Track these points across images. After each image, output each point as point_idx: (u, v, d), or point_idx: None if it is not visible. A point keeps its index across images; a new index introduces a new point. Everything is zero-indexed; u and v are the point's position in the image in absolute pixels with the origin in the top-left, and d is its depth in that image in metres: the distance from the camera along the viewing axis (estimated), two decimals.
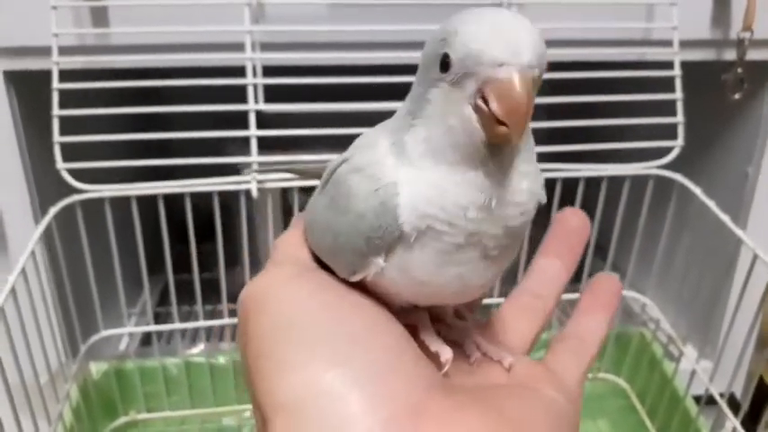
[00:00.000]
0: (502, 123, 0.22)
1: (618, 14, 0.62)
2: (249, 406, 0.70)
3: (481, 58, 0.23)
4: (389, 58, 0.59)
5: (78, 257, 0.60)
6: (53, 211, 0.57)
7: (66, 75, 0.57)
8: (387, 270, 0.26)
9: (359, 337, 0.24)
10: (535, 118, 0.25)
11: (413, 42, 0.59)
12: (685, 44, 0.63)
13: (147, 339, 0.80)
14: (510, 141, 0.23)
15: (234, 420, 0.69)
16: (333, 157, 0.30)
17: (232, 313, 0.69)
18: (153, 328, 0.70)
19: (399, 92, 0.58)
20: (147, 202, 0.61)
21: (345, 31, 0.59)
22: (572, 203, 0.65)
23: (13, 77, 0.59)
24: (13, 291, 0.49)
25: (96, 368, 0.66)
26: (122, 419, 0.68)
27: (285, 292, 0.26)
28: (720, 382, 0.60)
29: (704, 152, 0.77)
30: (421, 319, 0.28)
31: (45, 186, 0.63)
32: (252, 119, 0.60)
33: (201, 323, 0.68)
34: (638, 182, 0.65)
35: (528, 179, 0.25)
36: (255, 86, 0.60)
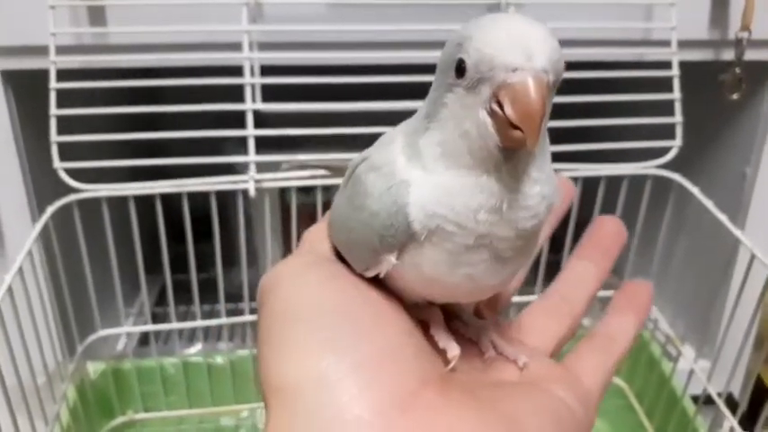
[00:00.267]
0: (516, 128, 0.23)
1: (616, 14, 0.62)
2: (246, 406, 0.70)
3: (495, 63, 0.23)
4: (387, 57, 0.59)
5: (76, 257, 0.60)
6: (50, 210, 0.57)
7: (63, 74, 0.57)
8: (399, 267, 0.26)
9: (361, 327, 0.25)
10: None
11: (411, 42, 0.59)
12: (683, 44, 0.63)
13: (144, 339, 0.80)
14: (524, 146, 0.23)
15: (231, 420, 0.69)
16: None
17: (229, 313, 0.70)
18: (150, 327, 0.70)
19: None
20: (145, 202, 0.61)
21: (343, 30, 0.59)
22: (570, 203, 0.65)
23: (11, 77, 0.59)
24: (9, 290, 0.49)
25: (93, 368, 0.66)
26: (120, 419, 0.67)
27: (297, 279, 0.27)
28: (718, 381, 0.60)
29: (702, 152, 0.77)
30: (433, 316, 0.29)
31: (42, 186, 0.63)
32: (249, 118, 0.60)
33: (199, 323, 0.68)
34: (637, 182, 0.65)
35: (540, 183, 0.25)
36: (253, 86, 0.60)
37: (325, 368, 0.23)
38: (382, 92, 0.59)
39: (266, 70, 0.60)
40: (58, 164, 0.57)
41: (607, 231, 0.35)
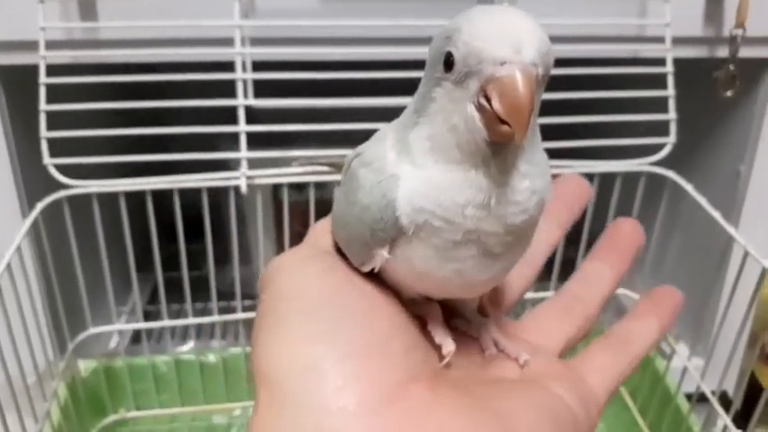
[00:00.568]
0: (504, 122, 0.22)
1: (610, 11, 0.62)
2: (239, 404, 0.70)
3: (483, 57, 0.22)
4: (380, 53, 0.59)
5: (66, 254, 0.60)
6: (40, 206, 0.56)
7: (53, 69, 0.57)
8: (392, 261, 0.26)
9: (353, 319, 0.25)
10: None
11: (403, 38, 0.59)
12: (678, 41, 0.63)
13: (136, 337, 0.79)
14: (512, 140, 0.23)
15: (224, 418, 0.69)
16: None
17: (222, 311, 0.69)
18: (142, 325, 0.69)
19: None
20: (136, 199, 0.61)
21: (335, 26, 0.58)
22: None
23: (0, 72, 0.59)
24: None
25: (85, 366, 0.65)
26: (112, 417, 0.67)
27: (296, 271, 0.27)
28: (712, 379, 0.60)
29: (696, 149, 0.77)
30: (431, 312, 0.28)
31: (32, 182, 0.63)
32: (241, 114, 0.59)
33: (191, 321, 0.68)
34: (630, 179, 0.65)
35: (529, 178, 0.25)
36: (245, 81, 0.59)
37: (314, 358, 0.23)
38: (375, 88, 0.59)
39: (258, 66, 0.60)
40: (47, 160, 0.57)
41: (624, 233, 0.35)
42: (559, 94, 0.61)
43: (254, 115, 0.61)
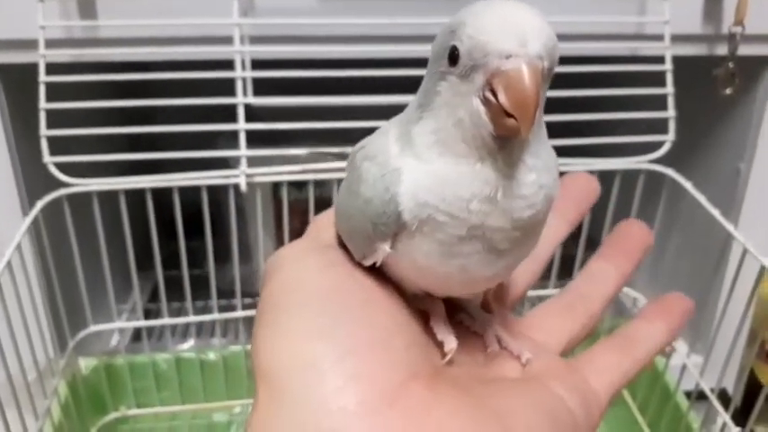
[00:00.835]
0: (510, 116, 0.22)
1: (609, 8, 0.62)
2: (239, 401, 0.70)
3: (488, 50, 0.22)
4: (380, 51, 0.59)
5: (66, 252, 0.60)
6: (40, 204, 0.56)
7: (53, 68, 0.57)
8: (394, 256, 0.26)
9: (353, 315, 0.24)
10: None
11: (403, 36, 0.59)
12: (677, 39, 0.63)
13: (137, 335, 0.79)
14: (518, 134, 0.22)
15: (224, 416, 0.69)
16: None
17: (222, 309, 0.69)
18: (142, 323, 0.69)
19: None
20: (136, 198, 0.61)
21: (335, 24, 0.58)
22: None
23: (0, 70, 0.59)
24: None
25: (85, 364, 0.65)
26: (112, 415, 0.67)
27: (297, 264, 0.27)
28: (711, 376, 0.60)
29: (695, 147, 0.77)
30: (434, 308, 0.28)
31: (33, 180, 0.63)
32: (240, 112, 0.59)
33: (191, 319, 0.68)
34: (629, 176, 0.65)
35: (536, 172, 0.25)
36: (244, 80, 0.59)
37: (313, 355, 0.23)
38: (374, 86, 0.59)
39: (257, 64, 0.60)
40: (47, 158, 0.57)
41: (632, 234, 0.35)
42: (558, 92, 0.61)
43: (253, 113, 0.61)
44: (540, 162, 0.25)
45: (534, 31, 0.22)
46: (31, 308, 0.55)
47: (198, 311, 0.72)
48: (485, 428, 0.23)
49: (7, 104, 0.60)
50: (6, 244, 0.52)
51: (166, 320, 0.67)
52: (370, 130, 0.29)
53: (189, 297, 0.67)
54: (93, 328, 0.65)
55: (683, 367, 0.62)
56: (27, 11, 0.55)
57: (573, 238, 0.69)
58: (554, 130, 0.60)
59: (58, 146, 0.57)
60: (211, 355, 0.69)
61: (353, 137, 0.34)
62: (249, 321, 0.67)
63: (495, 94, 0.23)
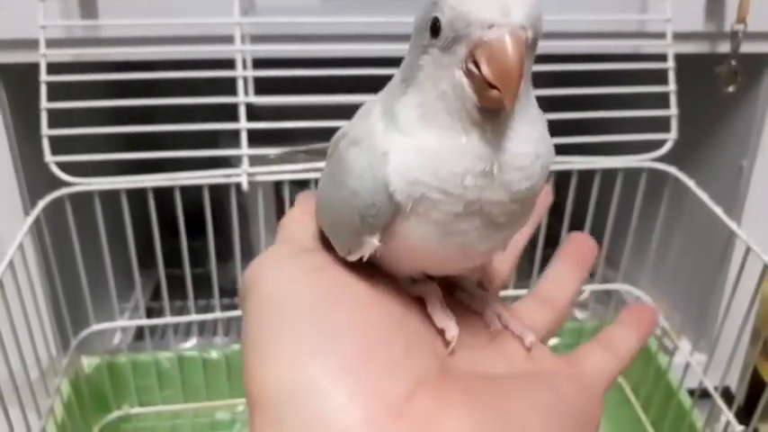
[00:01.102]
0: (494, 87, 0.22)
1: (611, 6, 0.62)
2: (242, 400, 0.70)
3: (470, 20, 0.22)
4: (381, 49, 0.59)
5: (69, 251, 0.60)
6: (42, 204, 0.56)
7: (54, 67, 0.57)
8: (389, 241, 0.25)
9: (345, 324, 0.23)
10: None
11: (404, 34, 0.58)
12: (679, 36, 0.63)
13: (139, 334, 0.80)
14: (502, 106, 0.22)
15: (227, 414, 0.69)
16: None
17: (224, 308, 0.69)
18: (145, 322, 0.69)
19: None
20: (138, 197, 0.61)
21: (336, 22, 0.58)
22: (565, 196, 0.65)
23: (1, 70, 0.59)
24: (0, 284, 0.48)
25: (88, 362, 0.65)
26: (115, 414, 0.67)
27: (274, 274, 0.25)
28: (715, 375, 0.60)
29: (698, 145, 0.77)
30: (430, 293, 0.27)
31: (34, 179, 0.63)
32: (242, 111, 0.59)
33: (194, 317, 0.68)
34: (632, 174, 0.65)
35: (532, 142, 0.24)
36: (245, 79, 0.59)
37: (310, 376, 0.21)
38: (375, 84, 0.58)
39: (258, 63, 0.60)
40: (49, 157, 0.57)
41: (581, 241, 0.35)
42: (561, 91, 0.61)
43: (254, 112, 0.61)
44: (535, 132, 0.25)
45: (517, 1, 0.22)
46: (33, 307, 0.55)
47: (200, 310, 0.72)
48: None
49: (8, 104, 0.60)
50: (8, 243, 0.52)
51: (169, 319, 0.67)
52: None
53: (191, 296, 0.67)
54: (96, 326, 0.65)
55: (687, 365, 0.62)
56: (28, 10, 0.55)
57: None
58: (556, 129, 0.60)
59: (59, 145, 0.57)
60: (214, 354, 0.69)
61: None
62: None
63: (477, 66, 0.22)
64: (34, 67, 0.56)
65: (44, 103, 0.56)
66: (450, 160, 0.23)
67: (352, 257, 0.26)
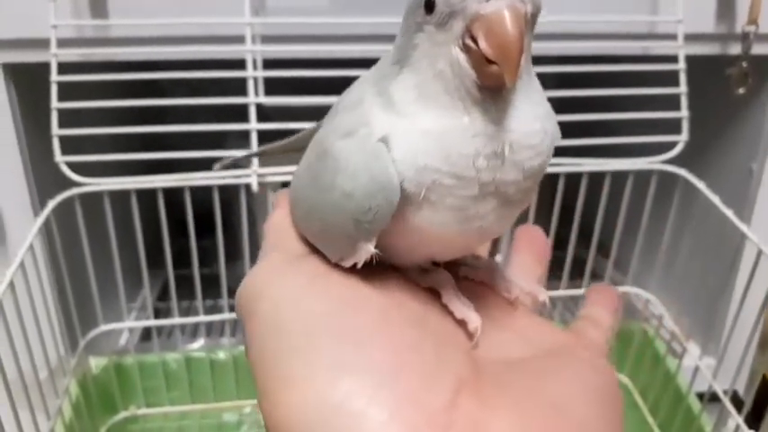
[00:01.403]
0: (493, 62, 0.21)
1: (622, 7, 0.62)
2: (249, 401, 0.70)
3: None
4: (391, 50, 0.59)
5: (78, 251, 0.60)
6: (52, 204, 0.56)
7: (64, 67, 0.57)
8: (395, 235, 0.24)
9: (367, 335, 0.22)
10: None
11: None
12: (690, 38, 0.62)
13: (146, 334, 0.79)
14: (503, 82, 0.21)
15: (234, 416, 0.69)
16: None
17: (233, 308, 0.68)
18: (152, 322, 0.69)
19: None
20: (147, 197, 0.61)
21: (346, 23, 0.58)
22: (575, 198, 0.64)
23: (12, 70, 0.59)
24: (11, 285, 0.48)
25: (96, 363, 0.65)
26: (122, 414, 0.67)
27: (277, 288, 0.23)
28: (723, 379, 0.60)
29: (707, 147, 0.76)
30: (443, 282, 0.26)
31: (44, 180, 0.63)
32: (252, 112, 0.59)
33: (202, 318, 0.68)
34: (642, 177, 0.64)
35: (539, 120, 0.23)
36: (256, 79, 0.59)
37: (340, 394, 0.20)
38: None
39: (269, 63, 0.60)
40: (59, 157, 0.57)
41: (538, 238, 0.33)
42: (571, 92, 0.61)
43: (264, 113, 0.61)
44: (540, 109, 0.24)
45: None
46: (43, 308, 0.55)
47: (208, 311, 0.72)
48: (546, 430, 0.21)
49: (19, 104, 0.60)
50: (18, 242, 0.52)
51: (177, 320, 0.67)
52: None
53: (200, 296, 0.67)
54: (104, 327, 0.65)
55: (696, 369, 0.62)
56: (39, 10, 0.55)
57: (584, 240, 0.69)
58: (566, 131, 0.60)
59: (69, 145, 0.57)
60: (221, 355, 0.69)
61: None
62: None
63: (475, 41, 0.21)
64: (43, 67, 0.56)
65: (54, 103, 0.56)
66: (458, 142, 0.22)
67: (346, 264, 0.24)
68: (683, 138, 0.63)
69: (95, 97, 0.58)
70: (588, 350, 0.26)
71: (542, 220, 0.70)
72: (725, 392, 0.58)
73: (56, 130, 0.56)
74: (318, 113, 0.62)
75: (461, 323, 0.25)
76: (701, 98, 0.65)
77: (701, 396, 0.62)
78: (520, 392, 0.22)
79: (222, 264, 0.65)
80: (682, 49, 0.62)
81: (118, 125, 0.59)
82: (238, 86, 0.59)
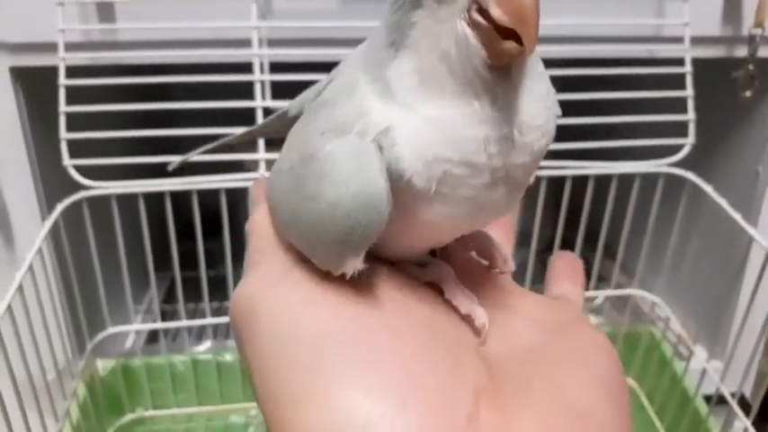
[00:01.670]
0: (506, 37, 0.19)
1: (629, 11, 0.62)
2: (256, 403, 0.70)
3: None
4: None
5: (85, 254, 0.60)
6: (60, 207, 0.57)
7: (72, 71, 0.57)
8: (403, 232, 0.22)
9: (377, 353, 0.20)
10: None
11: None
12: (696, 41, 0.62)
13: (153, 336, 0.80)
14: (516, 58, 0.19)
15: (241, 418, 0.69)
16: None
17: None
18: (160, 325, 0.69)
19: None
20: (154, 199, 0.61)
21: (353, 26, 0.58)
22: (581, 201, 0.64)
23: (20, 73, 0.59)
24: (20, 288, 0.48)
25: (103, 365, 0.66)
26: (129, 416, 0.67)
27: (275, 303, 0.22)
28: (730, 382, 0.60)
29: (713, 150, 0.76)
30: (444, 277, 0.25)
31: (52, 183, 0.63)
32: (259, 115, 0.60)
33: (208, 320, 0.68)
34: (649, 180, 0.64)
35: (543, 98, 0.22)
36: (263, 83, 0.59)
37: (361, 414, 0.19)
38: None
39: (276, 67, 0.60)
40: (67, 161, 0.57)
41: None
42: (577, 95, 0.61)
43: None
44: (543, 86, 0.22)
45: None
46: (51, 310, 0.55)
47: (215, 313, 0.72)
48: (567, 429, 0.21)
49: (27, 107, 0.61)
50: (26, 246, 0.52)
51: (184, 322, 0.67)
52: None
53: (206, 298, 0.67)
54: (112, 329, 0.65)
55: (703, 372, 0.62)
56: (46, 14, 0.56)
57: (590, 243, 0.69)
58: (573, 134, 0.60)
59: (77, 149, 0.57)
60: (228, 357, 0.69)
61: None
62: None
63: (483, 14, 0.19)
64: (51, 71, 0.57)
65: (63, 107, 0.56)
66: (467, 128, 0.20)
67: (336, 273, 0.22)
68: (689, 141, 0.62)
69: (103, 101, 0.58)
70: (584, 323, 0.26)
71: (549, 222, 0.70)
72: (732, 395, 0.58)
73: (64, 134, 0.57)
74: None
75: (467, 318, 0.24)
76: (708, 101, 0.65)
77: (707, 399, 0.61)
78: (537, 394, 0.21)
79: (229, 266, 0.65)
80: (688, 52, 0.62)
81: (125, 128, 0.59)
82: (245, 90, 0.59)
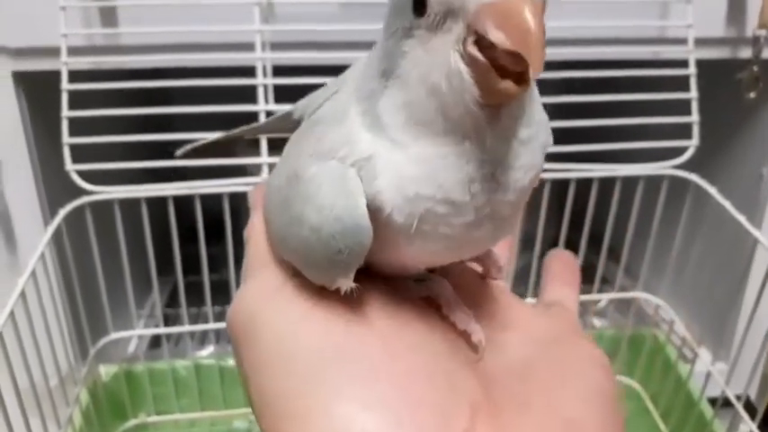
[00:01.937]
0: (503, 76, 0.18)
1: (632, 12, 0.61)
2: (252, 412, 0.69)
3: None
4: None
5: (88, 259, 0.60)
6: (63, 212, 0.56)
7: (74, 75, 0.57)
8: (389, 257, 0.22)
9: (375, 369, 0.20)
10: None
11: None
12: (700, 42, 0.62)
13: (156, 342, 0.79)
14: (512, 99, 0.18)
15: (244, 423, 0.69)
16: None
17: None
18: (162, 330, 0.69)
19: None
20: (157, 204, 0.61)
21: (356, 30, 0.58)
22: (585, 204, 0.64)
23: (22, 78, 0.59)
24: (22, 293, 0.48)
25: (106, 371, 0.65)
26: (132, 422, 0.67)
27: (273, 315, 0.22)
28: (735, 385, 0.60)
29: (717, 152, 0.76)
30: (441, 293, 0.24)
31: (54, 188, 0.63)
32: (262, 119, 0.59)
33: (211, 325, 0.68)
34: (653, 182, 0.64)
35: (533, 128, 0.21)
36: (266, 87, 0.59)
37: (362, 430, 0.19)
38: None
39: (278, 71, 0.60)
40: (70, 166, 0.57)
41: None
42: (581, 97, 0.61)
43: None
44: (535, 116, 0.21)
45: None
46: (53, 316, 0.55)
47: (217, 317, 0.71)
48: None
49: (29, 112, 0.60)
50: (28, 251, 0.52)
51: (186, 327, 0.67)
52: None
53: (209, 303, 0.67)
54: (115, 335, 0.65)
55: (708, 374, 0.62)
56: (49, 19, 0.55)
57: (594, 246, 0.69)
58: (576, 136, 0.60)
59: (79, 154, 0.57)
60: (231, 362, 0.69)
61: None
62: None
63: (480, 46, 0.18)
64: (54, 75, 0.56)
65: (65, 112, 0.56)
66: (452, 167, 0.20)
67: (330, 289, 0.22)
68: (693, 143, 0.62)
69: (106, 106, 0.58)
70: (579, 335, 0.26)
71: (553, 225, 0.70)
72: (738, 398, 0.58)
73: (66, 139, 0.56)
74: None
75: (464, 334, 0.24)
76: (712, 103, 0.64)
77: (712, 402, 0.61)
78: (534, 409, 0.21)
79: (232, 270, 0.65)
80: (692, 54, 0.62)
81: (128, 133, 0.59)
82: (248, 94, 0.59)
